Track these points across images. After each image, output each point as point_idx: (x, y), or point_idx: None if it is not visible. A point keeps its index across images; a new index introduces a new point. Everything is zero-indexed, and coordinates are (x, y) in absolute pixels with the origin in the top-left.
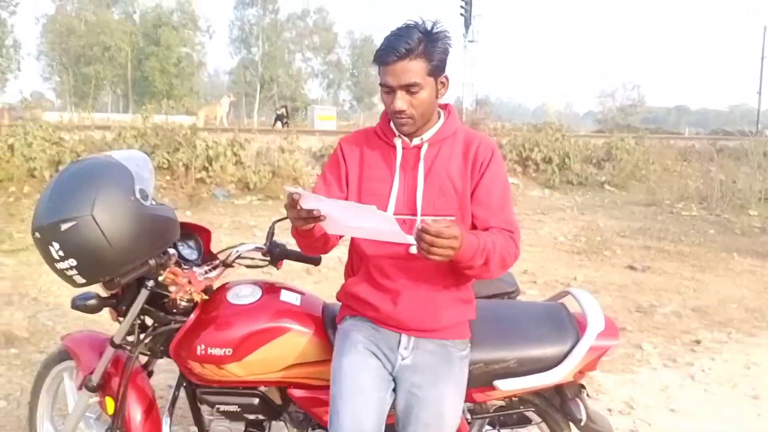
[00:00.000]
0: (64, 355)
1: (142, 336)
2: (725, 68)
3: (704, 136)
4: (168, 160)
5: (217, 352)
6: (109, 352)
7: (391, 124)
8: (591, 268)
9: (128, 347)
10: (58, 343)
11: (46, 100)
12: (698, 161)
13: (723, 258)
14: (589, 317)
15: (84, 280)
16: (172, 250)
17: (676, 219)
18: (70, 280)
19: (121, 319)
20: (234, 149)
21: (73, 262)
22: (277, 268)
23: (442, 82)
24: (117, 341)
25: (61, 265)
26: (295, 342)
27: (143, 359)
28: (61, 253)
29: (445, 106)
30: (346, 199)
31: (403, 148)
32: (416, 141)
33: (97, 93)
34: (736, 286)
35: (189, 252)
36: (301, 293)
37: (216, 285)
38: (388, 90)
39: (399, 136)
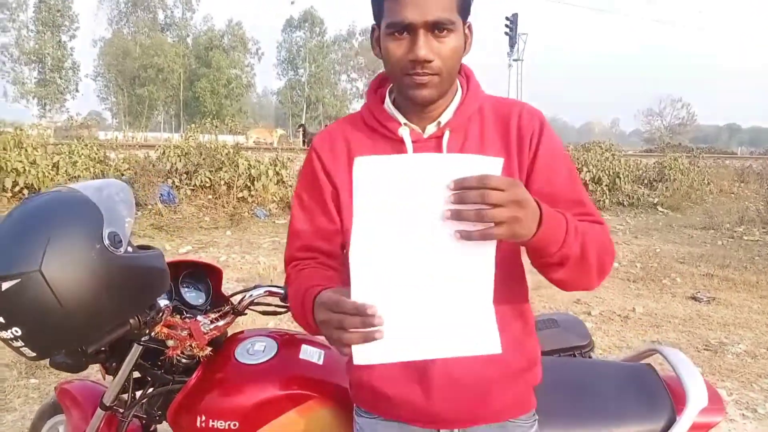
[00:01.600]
0: (58, 407)
1: (138, 395)
2: None
3: (759, 156)
4: (210, 179)
5: (220, 425)
6: (99, 414)
7: (388, 104)
8: (649, 298)
9: (121, 409)
10: (52, 393)
11: (102, 119)
12: (756, 182)
13: None
14: (688, 386)
15: (34, 354)
16: (164, 302)
17: (738, 244)
18: (18, 351)
19: (110, 377)
20: (276, 168)
21: (17, 330)
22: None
23: (467, 32)
24: (107, 402)
25: (3, 335)
26: (317, 415)
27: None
28: (1, 319)
29: (460, 70)
30: (341, 236)
31: (413, 141)
32: (432, 128)
33: (150, 113)
34: None
35: (195, 295)
36: (326, 347)
37: (227, 333)
38: (402, 31)
39: (405, 123)
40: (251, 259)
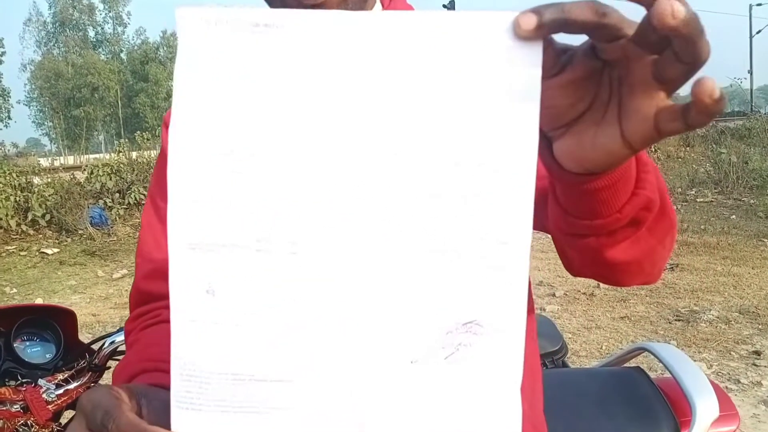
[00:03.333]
0: None
1: None
2: (715, 49)
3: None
4: (144, 195)
5: None
6: None
7: None
8: None
9: None
10: None
11: (41, 145)
12: (702, 145)
13: (754, 246)
14: (692, 393)
15: None
16: None
17: (692, 207)
18: None
19: None
20: None
21: None
22: None
23: None
24: None
25: None
26: None
27: None
28: None
29: None
30: None
31: None
32: None
33: (90, 134)
34: None
35: (39, 351)
36: None
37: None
38: None
39: None
40: None
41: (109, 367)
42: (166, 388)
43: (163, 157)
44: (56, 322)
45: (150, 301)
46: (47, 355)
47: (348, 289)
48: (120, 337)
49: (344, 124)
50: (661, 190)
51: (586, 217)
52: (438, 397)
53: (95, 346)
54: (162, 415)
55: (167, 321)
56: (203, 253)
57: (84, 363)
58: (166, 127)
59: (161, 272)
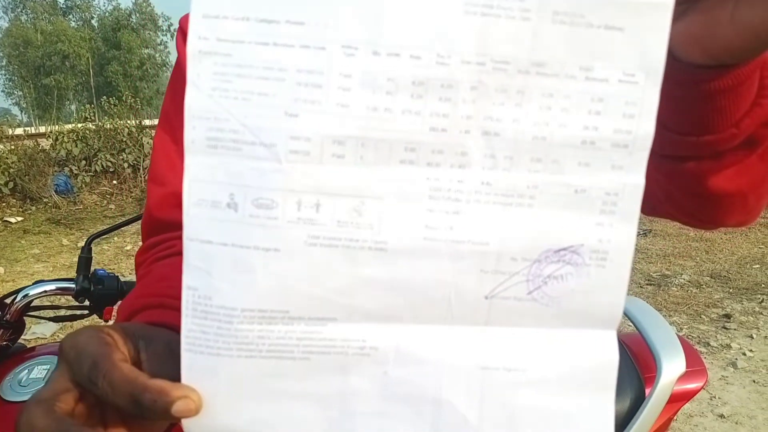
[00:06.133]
0: None
1: None
2: None
3: None
4: (112, 162)
5: None
6: None
7: None
8: None
9: None
10: None
11: (12, 116)
12: None
13: None
14: (658, 348)
15: None
16: None
17: None
18: None
19: None
20: None
21: None
22: (105, 320)
23: None
24: None
25: None
26: None
27: None
28: None
29: None
30: None
31: None
32: None
33: (61, 104)
34: (750, 244)
35: None
36: None
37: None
38: None
39: None
40: None
41: (24, 324)
42: (174, 328)
43: (179, 69)
44: None
45: (163, 231)
46: None
47: (409, 207)
48: (35, 290)
49: None
50: None
51: (694, 132)
52: (516, 339)
53: (7, 301)
54: (165, 360)
55: (182, 253)
56: (224, 153)
57: None
58: (183, 33)
59: (176, 197)
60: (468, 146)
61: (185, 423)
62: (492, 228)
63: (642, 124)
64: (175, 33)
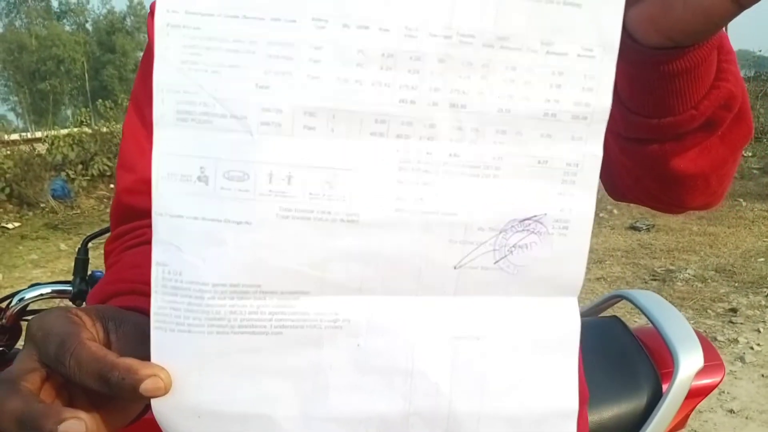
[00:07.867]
0: None
1: None
2: None
3: None
4: (109, 166)
5: None
6: None
7: None
8: None
9: None
10: None
11: (8, 121)
12: None
13: (730, 206)
14: (674, 342)
15: None
16: None
17: None
18: None
19: None
20: None
21: None
22: None
23: None
24: None
25: None
26: None
27: None
28: None
29: None
30: None
31: None
32: None
33: (57, 108)
34: (754, 237)
35: None
36: None
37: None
38: None
39: None
40: None
41: (21, 328)
42: (146, 313)
43: (149, 51)
44: None
45: (133, 218)
46: None
47: (380, 179)
48: (31, 294)
49: None
50: (742, 87)
51: (655, 114)
52: (484, 308)
53: (3, 305)
54: (135, 342)
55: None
56: (195, 126)
57: None
58: (152, 16)
59: (146, 183)
60: (436, 118)
61: (154, 403)
62: (460, 199)
63: (600, 97)
64: None
